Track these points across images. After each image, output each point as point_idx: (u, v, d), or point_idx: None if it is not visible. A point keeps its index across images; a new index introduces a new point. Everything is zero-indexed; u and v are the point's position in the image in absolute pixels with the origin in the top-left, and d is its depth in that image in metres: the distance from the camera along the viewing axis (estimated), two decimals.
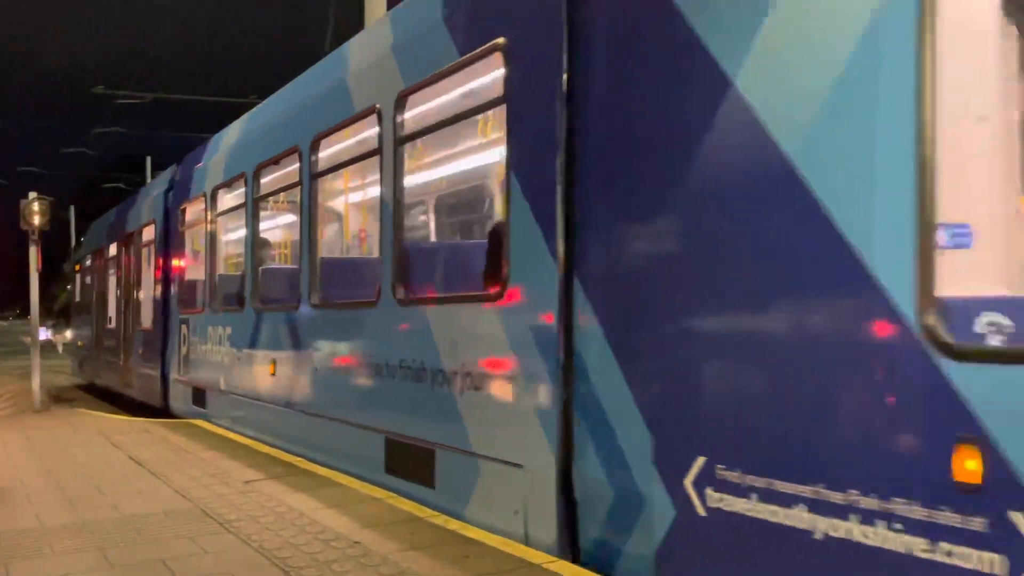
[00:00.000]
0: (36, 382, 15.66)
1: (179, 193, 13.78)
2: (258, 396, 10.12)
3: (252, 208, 10.46)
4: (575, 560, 5.11)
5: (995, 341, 3.27)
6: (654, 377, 4.53)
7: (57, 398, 19.03)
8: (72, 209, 42.00)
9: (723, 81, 4.11)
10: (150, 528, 6.27)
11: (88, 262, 22.84)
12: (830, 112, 3.64)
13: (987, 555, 3.03)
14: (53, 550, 5.78)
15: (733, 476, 4.02)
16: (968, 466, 3.08)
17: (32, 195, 15.01)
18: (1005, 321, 3.27)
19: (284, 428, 9.44)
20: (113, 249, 18.55)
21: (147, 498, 7.30)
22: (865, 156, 3.50)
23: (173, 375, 13.69)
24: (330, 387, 8.32)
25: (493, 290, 5.92)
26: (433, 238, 8.20)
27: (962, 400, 3.12)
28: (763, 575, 3.87)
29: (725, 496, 4.05)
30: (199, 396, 12.36)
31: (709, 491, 4.14)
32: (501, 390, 5.79)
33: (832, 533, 3.56)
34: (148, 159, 36.23)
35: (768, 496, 3.84)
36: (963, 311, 3.32)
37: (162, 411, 14.28)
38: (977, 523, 3.07)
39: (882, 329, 3.42)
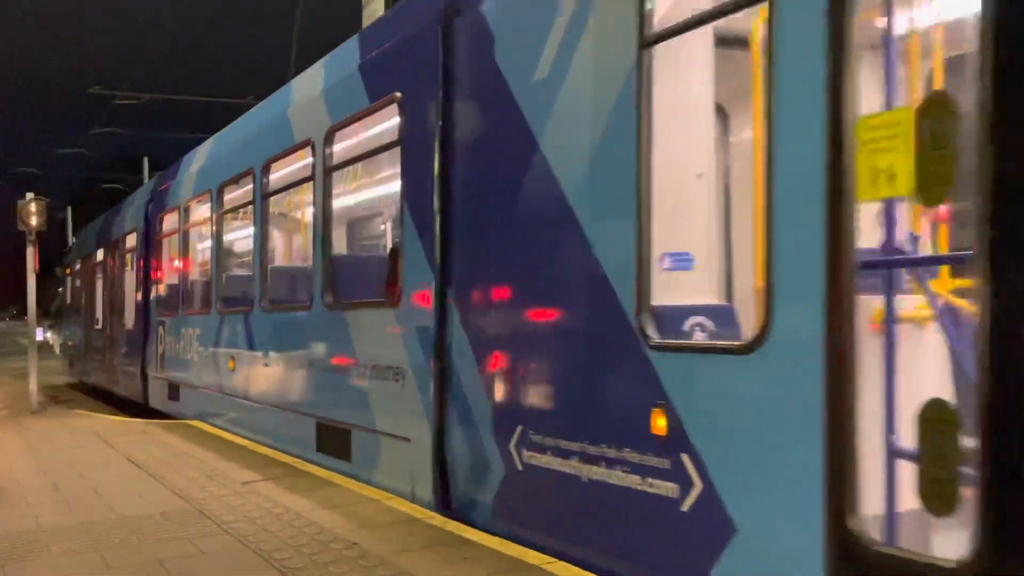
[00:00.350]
0: (33, 383, 15.64)
1: (157, 204, 15.03)
2: (221, 390, 11.27)
3: (217, 221, 11.73)
4: (447, 511, 6.37)
5: (699, 337, 4.60)
6: (492, 367, 5.90)
7: (54, 399, 19.01)
8: (69, 210, 41.95)
9: (533, 141, 5.50)
10: (147, 529, 6.27)
11: (78, 266, 24.17)
12: (590, 169, 5.01)
13: (670, 484, 4.40)
14: (50, 551, 5.78)
15: (538, 439, 5.41)
16: (658, 423, 4.45)
17: (29, 196, 14.97)
18: (708, 322, 4.62)
19: (242, 417, 10.69)
20: (100, 254, 19.68)
21: (144, 499, 7.29)
22: (609, 202, 4.87)
23: (152, 373, 14.83)
24: (275, 380, 9.56)
25: (392, 297, 7.17)
26: (353, 253, 9.50)
27: (657, 377, 4.47)
28: (557, 509, 5.27)
29: (534, 454, 5.44)
30: (174, 391, 13.49)
31: (524, 451, 5.54)
32: (396, 379, 7.06)
33: (592, 476, 4.92)
34: (145, 160, 36.21)
35: (558, 452, 5.21)
36: (670, 315, 4.62)
37: (143, 406, 15.20)
38: (664, 463, 4.43)
39: (617, 329, 4.73)
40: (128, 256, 16.77)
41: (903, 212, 3.88)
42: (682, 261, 4.84)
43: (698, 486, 4.23)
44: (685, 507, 4.30)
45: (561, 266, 5.23)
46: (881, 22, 3.90)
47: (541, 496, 5.39)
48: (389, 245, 7.83)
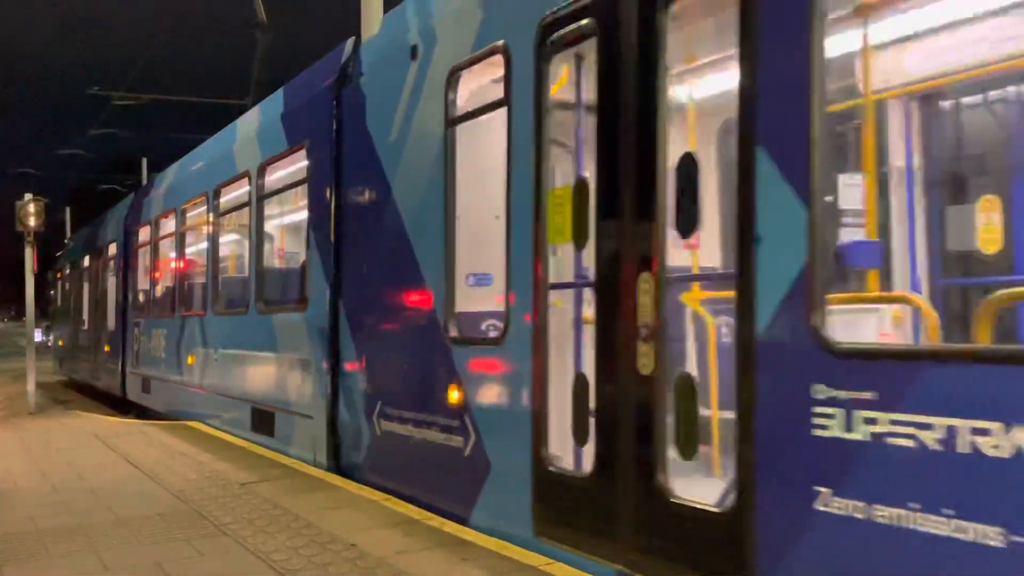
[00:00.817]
0: (31, 384, 15.65)
1: (133, 218, 17.00)
2: (182, 382, 13.15)
3: (180, 236, 13.70)
4: (339, 473, 8.08)
5: (492, 334, 6.29)
6: (365, 358, 7.75)
7: (52, 400, 18.99)
8: (68, 210, 41.89)
9: (388, 186, 7.36)
10: (146, 530, 6.26)
11: (67, 271, 26.41)
12: (419, 209, 6.87)
13: (459, 438, 6.20)
14: (48, 553, 5.77)
15: (388, 411, 7.20)
16: (453, 396, 6.25)
17: (28, 196, 14.97)
18: (498, 323, 6.12)
19: (199, 406, 12.42)
20: (86, 261, 21.73)
21: (142, 500, 7.29)
22: (429, 235, 6.67)
23: (128, 369, 16.76)
24: (222, 373, 11.38)
25: (302, 304, 8.98)
26: (277, 266, 11.14)
27: (454, 363, 6.29)
28: (399, 461, 7.14)
29: (386, 423, 7.22)
30: (146, 384, 15.41)
31: (382, 421, 7.31)
32: (304, 369, 8.86)
33: (419, 436, 6.72)
34: (144, 160, 36.18)
35: (400, 420, 7.01)
36: (466, 318, 6.41)
37: (121, 399, 17.19)
38: (456, 423, 6.20)
39: (435, 330, 6.51)
40: (109, 263, 18.59)
41: (568, 252, 5.51)
42: (483, 279, 6.56)
43: (473, 438, 6.08)
44: (466, 453, 6.16)
45: (403, 282, 7.06)
46: (568, 119, 5.70)
47: (390, 453, 7.28)
48: (301, 261, 9.48)
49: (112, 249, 18.41)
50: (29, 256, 15.59)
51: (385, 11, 9.75)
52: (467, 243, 6.42)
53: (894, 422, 3.38)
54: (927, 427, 3.27)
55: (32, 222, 14.79)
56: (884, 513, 3.40)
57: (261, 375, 10.02)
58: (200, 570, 5.32)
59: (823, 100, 3.74)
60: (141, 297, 15.96)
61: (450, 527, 6.07)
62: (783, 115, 3.86)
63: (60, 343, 28.24)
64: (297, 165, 9.42)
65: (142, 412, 15.41)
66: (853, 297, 4.57)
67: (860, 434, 3.48)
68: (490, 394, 5.93)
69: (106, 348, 18.64)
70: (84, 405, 18.45)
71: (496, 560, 5.28)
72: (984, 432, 3.09)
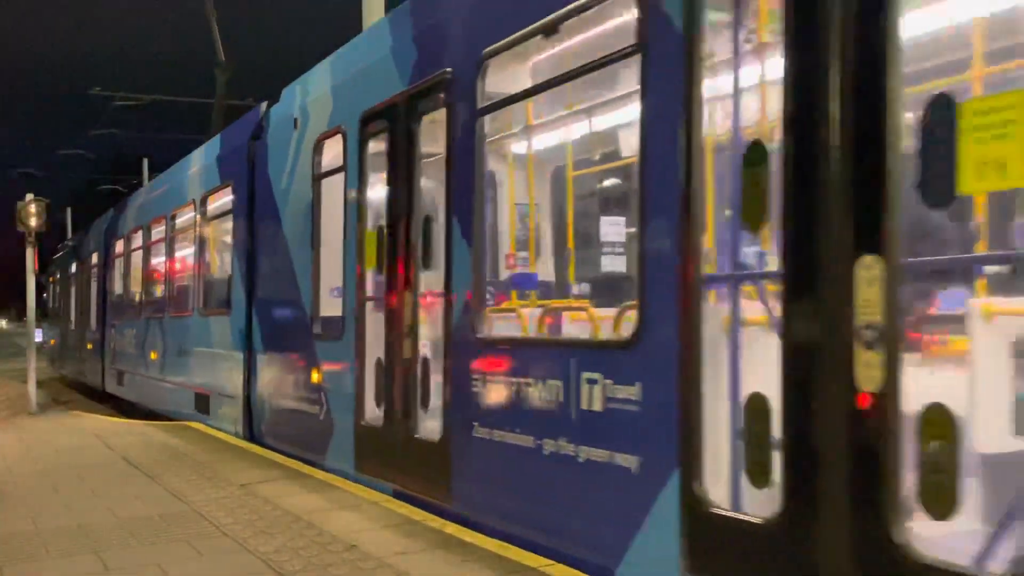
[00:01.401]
0: (32, 385, 15.65)
1: (111, 232, 19.38)
2: (148, 375, 15.41)
3: (146, 249, 16.08)
4: (252, 440, 10.44)
5: (335, 332, 8.22)
6: (267, 350, 10.08)
7: (53, 400, 19.00)
8: (69, 211, 41.91)
9: (280, 220, 9.69)
10: (146, 531, 6.26)
11: (58, 276, 29.62)
12: (299, 240, 9.12)
13: (317, 407, 8.50)
14: (49, 553, 5.77)
15: (279, 391, 9.58)
16: (315, 377, 8.52)
17: (29, 196, 14.97)
18: (341, 324, 8.12)
19: (158, 394, 14.74)
20: (73, 268, 24.41)
21: (143, 501, 7.29)
22: (302, 259, 9.02)
23: (107, 364, 19.09)
24: (174, 365, 13.72)
25: (229, 308, 11.31)
26: (214, 277, 12.92)
27: (316, 353, 8.55)
28: (284, 429, 9.56)
29: (277, 400, 9.70)
30: (120, 378, 17.73)
31: (274, 399, 9.78)
32: (229, 360, 11.15)
33: (295, 407, 9.13)
34: (145, 161, 36.20)
35: (285, 397, 9.38)
36: (324, 321, 8.51)
37: (101, 391, 19.66)
38: (317, 396, 8.45)
39: (306, 328, 8.79)
40: (92, 271, 21.15)
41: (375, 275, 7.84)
42: (336, 292, 8.35)
43: (325, 407, 8.36)
44: (321, 417, 8.42)
45: (288, 294, 9.37)
46: (379, 181, 7.64)
47: (278, 422, 9.75)
48: (228, 275, 11.66)
49: (95, 258, 20.97)
50: (30, 256, 15.59)
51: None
52: (328, 266, 8.51)
53: (502, 375, 5.78)
54: (513, 378, 5.63)
55: (33, 222, 14.80)
56: (497, 434, 5.79)
57: (201, 366, 12.44)
58: (201, 571, 5.32)
59: (482, 187, 6.14)
60: (116, 302, 18.39)
61: (451, 528, 6.06)
62: (462, 197, 6.22)
63: (52, 343, 31.16)
64: (227, 198, 11.69)
65: (146, 414, 15.41)
66: (497, 308, 6.67)
67: (490, 387, 5.91)
68: (333, 373, 8.33)
69: (89, 346, 21.18)
70: (85, 405, 18.46)
71: (496, 561, 5.28)
72: (526, 384, 5.48)
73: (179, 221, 14.00)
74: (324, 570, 5.21)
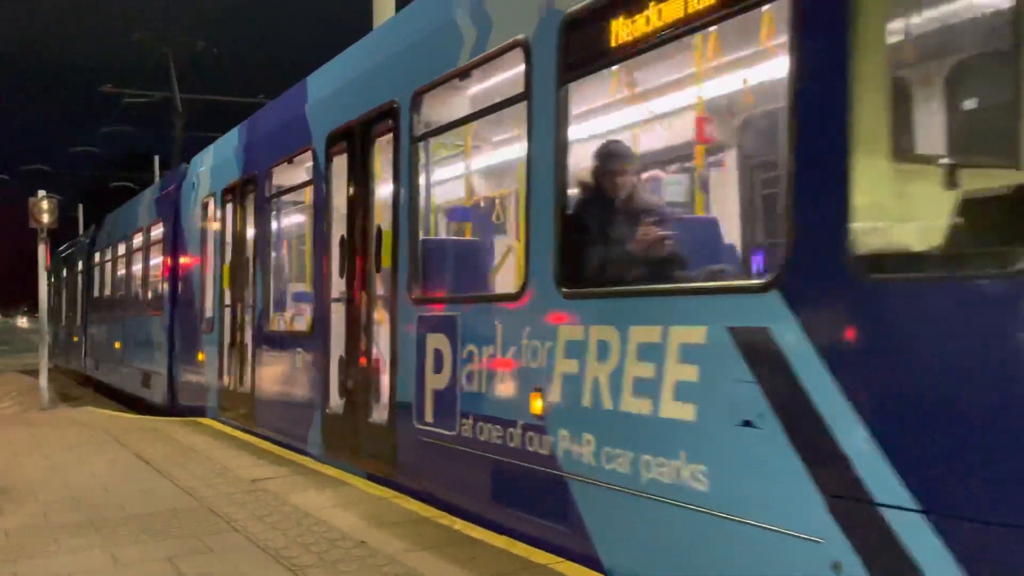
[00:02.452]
0: (43, 380, 15.72)
1: (92, 246, 23.14)
2: (112, 361, 19.30)
3: (114, 261, 19.79)
4: (173, 410, 13.85)
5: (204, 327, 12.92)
6: (179, 339, 14.02)
7: (64, 396, 19.09)
8: (81, 208, 42.06)
9: (187, 247, 13.85)
10: (157, 526, 6.29)
11: (52, 279, 33.36)
12: (197, 261, 13.42)
13: (203, 376, 12.93)
14: (60, 548, 5.80)
15: (185, 367, 13.66)
16: (199, 357, 12.94)
17: (41, 193, 15.03)
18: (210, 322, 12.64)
19: (119, 376, 18.62)
20: (65, 273, 28.59)
21: (153, 497, 7.32)
22: (195, 272, 13.54)
23: (87, 354, 23.34)
24: (130, 353, 17.38)
25: (160, 310, 14.89)
26: (153, 287, 16.26)
27: (202, 341, 12.90)
28: (191, 394, 13.38)
29: (184, 374, 13.72)
30: (96, 365, 21.85)
31: (183, 374, 13.85)
32: (158, 348, 14.90)
33: (194, 379, 13.34)
34: (156, 158, 36.30)
35: (187, 372, 13.66)
36: (207, 319, 12.92)
37: (85, 375, 23.68)
38: (203, 368, 12.84)
39: (196, 325, 13.21)
40: (78, 277, 25.29)
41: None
42: (214, 299, 12.26)
43: (206, 376, 12.46)
44: (204, 383, 12.56)
45: (190, 299, 13.33)
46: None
47: (188, 391, 13.39)
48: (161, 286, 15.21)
49: (79, 266, 25.11)
50: (42, 253, 15.68)
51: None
52: (209, 281, 12.62)
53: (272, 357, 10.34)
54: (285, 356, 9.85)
55: (45, 219, 14.86)
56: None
57: (145, 353, 15.91)
58: (211, 566, 5.34)
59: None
60: (93, 303, 22.48)
61: (460, 525, 6.08)
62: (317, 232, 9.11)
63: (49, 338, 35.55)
64: (160, 229, 15.28)
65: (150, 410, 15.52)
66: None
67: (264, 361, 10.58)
68: (210, 355, 12.37)
69: (74, 339, 25.62)
70: (95, 401, 18.53)
71: (505, 558, 5.29)
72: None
73: (133, 242, 17.85)
74: (334, 566, 5.23)
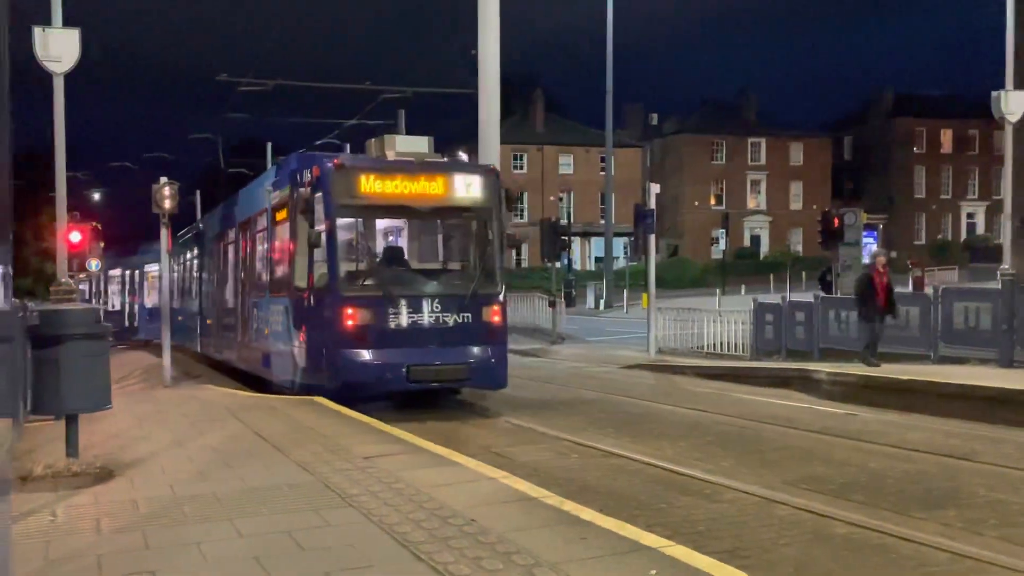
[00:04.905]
0: (167, 358, 16.36)
1: (181, 246, 26.75)
2: (198, 332, 23.53)
3: (186, 264, 25.88)
4: (200, 353, 22.80)
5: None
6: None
7: (186, 374, 19.86)
8: (198, 193, 43.56)
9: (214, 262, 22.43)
10: (275, 500, 6.50)
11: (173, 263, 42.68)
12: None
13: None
14: (187, 518, 6.06)
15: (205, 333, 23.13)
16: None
17: (163, 179, 15.56)
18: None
19: (200, 342, 23.28)
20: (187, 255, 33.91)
21: (272, 471, 7.56)
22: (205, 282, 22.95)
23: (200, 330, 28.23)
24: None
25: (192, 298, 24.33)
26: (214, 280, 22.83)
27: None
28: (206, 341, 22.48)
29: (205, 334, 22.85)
30: (193, 337, 25.81)
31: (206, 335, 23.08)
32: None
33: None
34: (269, 144, 37.29)
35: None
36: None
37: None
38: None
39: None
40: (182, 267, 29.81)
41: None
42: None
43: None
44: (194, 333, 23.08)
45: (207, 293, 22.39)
46: None
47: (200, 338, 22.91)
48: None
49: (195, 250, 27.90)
50: (164, 237, 16.29)
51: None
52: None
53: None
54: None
55: (167, 204, 15.41)
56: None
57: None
58: (327, 539, 5.49)
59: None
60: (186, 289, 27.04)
61: (568, 506, 6.09)
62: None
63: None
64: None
65: (268, 386, 15.99)
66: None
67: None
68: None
69: (179, 319, 30.99)
70: (214, 379, 19.23)
71: (615, 540, 5.28)
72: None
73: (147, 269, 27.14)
74: (445, 543, 5.30)
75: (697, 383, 16.85)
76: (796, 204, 78.93)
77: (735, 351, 21.70)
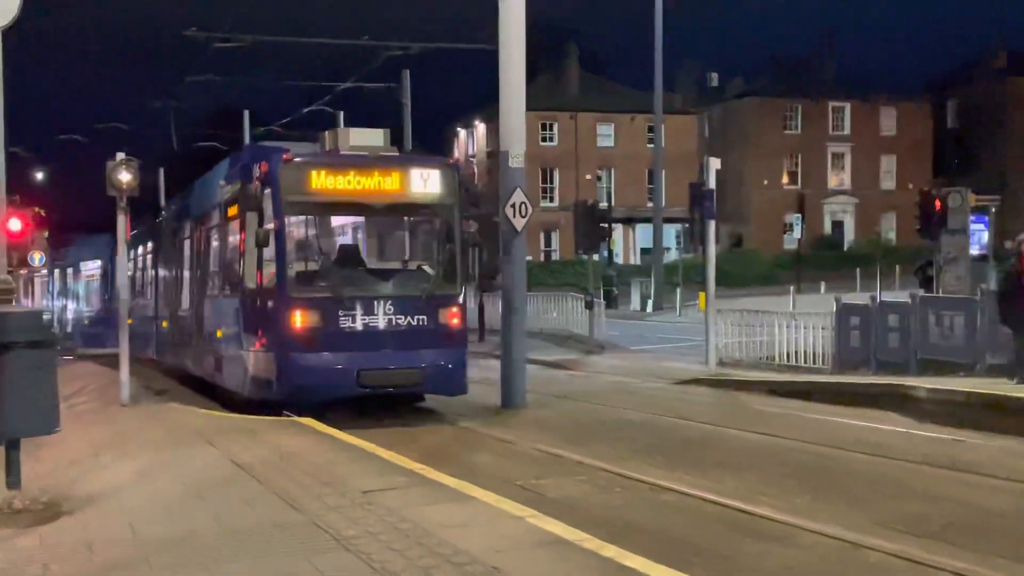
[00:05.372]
0: (124, 372, 16.27)
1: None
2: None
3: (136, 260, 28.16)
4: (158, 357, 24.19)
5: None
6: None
7: (147, 389, 20.01)
8: (161, 171, 43.80)
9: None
10: (257, 543, 6.56)
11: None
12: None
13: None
14: (150, 566, 6.13)
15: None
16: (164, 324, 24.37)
17: (120, 156, 15.48)
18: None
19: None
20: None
21: (253, 508, 7.63)
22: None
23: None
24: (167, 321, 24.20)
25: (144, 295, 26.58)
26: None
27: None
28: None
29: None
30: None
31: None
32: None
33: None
34: (246, 113, 37.58)
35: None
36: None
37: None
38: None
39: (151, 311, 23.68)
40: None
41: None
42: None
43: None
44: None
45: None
46: None
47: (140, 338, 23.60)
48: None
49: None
50: (121, 224, 16.18)
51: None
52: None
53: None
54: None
55: (125, 184, 15.32)
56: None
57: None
58: None
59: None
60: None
61: (610, 551, 6.11)
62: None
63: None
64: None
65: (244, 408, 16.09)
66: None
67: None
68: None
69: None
70: (183, 397, 19.35)
71: None
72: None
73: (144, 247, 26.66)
74: None
75: (767, 401, 16.81)
76: (888, 183, 78.48)
77: (813, 362, 21.61)
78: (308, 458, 9.88)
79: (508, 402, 14.92)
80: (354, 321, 13.15)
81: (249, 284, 14.03)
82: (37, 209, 35.27)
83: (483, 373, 20.00)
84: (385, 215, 14.73)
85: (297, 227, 14.00)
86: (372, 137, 14.38)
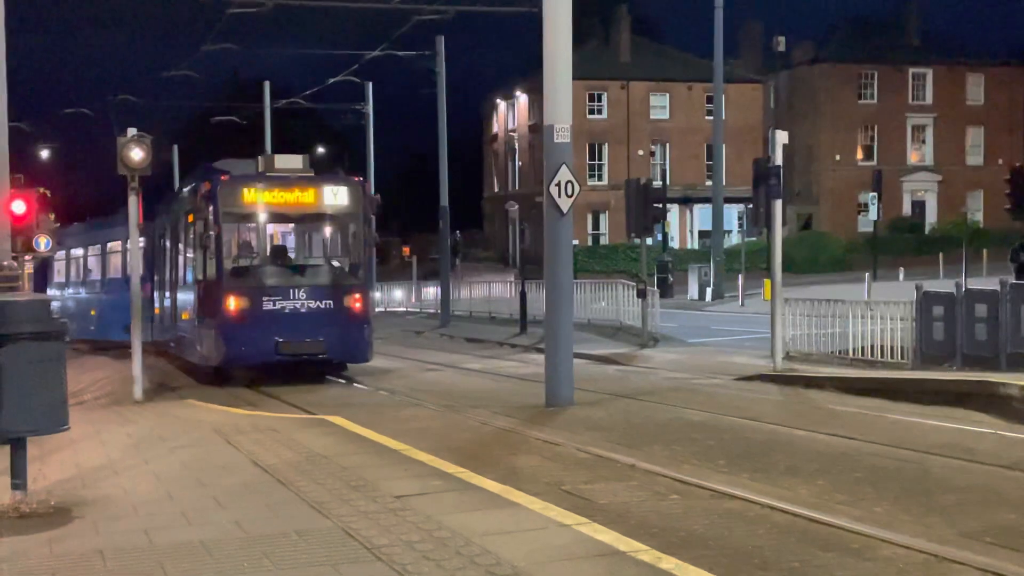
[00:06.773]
0: (137, 367, 16.47)
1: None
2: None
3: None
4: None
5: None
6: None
7: (161, 386, 20.22)
8: (176, 149, 44.24)
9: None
10: (281, 552, 6.60)
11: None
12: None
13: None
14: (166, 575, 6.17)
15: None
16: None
17: (131, 131, 15.60)
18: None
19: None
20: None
21: (276, 513, 7.68)
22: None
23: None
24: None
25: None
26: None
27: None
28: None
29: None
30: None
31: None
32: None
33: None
34: (267, 84, 37.79)
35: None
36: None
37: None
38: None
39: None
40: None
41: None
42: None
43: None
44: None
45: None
46: None
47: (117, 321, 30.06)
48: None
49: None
50: (133, 205, 16.33)
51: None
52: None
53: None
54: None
55: (137, 163, 15.44)
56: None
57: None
58: None
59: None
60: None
61: (668, 563, 6.09)
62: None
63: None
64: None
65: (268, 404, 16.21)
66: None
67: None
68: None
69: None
70: (199, 393, 19.54)
71: None
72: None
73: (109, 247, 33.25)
74: None
75: (840, 400, 16.69)
76: (975, 158, 77.62)
77: (892, 357, 21.43)
78: (336, 460, 9.93)
79: (553, 400, 14.91)
80: (275, 305, 18.93)
81: (199, 277, 20.37)
82: (42, 190, 35.59)
83: (523, 368, 20.00)
84: (302, 222, 21.71)
85: (233, 232, 20.37)
86: (293, 161, 20.30)
